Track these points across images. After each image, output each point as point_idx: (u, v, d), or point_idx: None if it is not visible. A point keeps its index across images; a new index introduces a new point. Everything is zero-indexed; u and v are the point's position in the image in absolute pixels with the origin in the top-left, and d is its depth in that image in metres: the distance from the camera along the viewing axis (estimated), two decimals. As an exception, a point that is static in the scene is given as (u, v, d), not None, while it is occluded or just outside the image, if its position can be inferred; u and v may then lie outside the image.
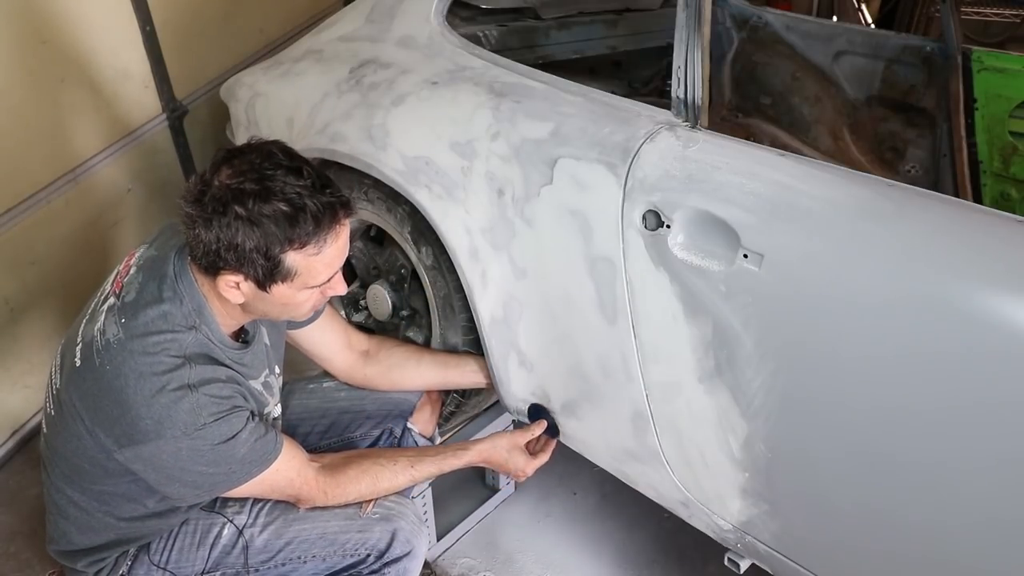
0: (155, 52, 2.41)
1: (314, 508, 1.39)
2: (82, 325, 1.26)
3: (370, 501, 1.41)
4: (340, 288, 1.28)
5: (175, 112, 2.54)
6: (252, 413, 1.27)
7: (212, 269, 1.18)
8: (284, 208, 1.12)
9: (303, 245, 1.15)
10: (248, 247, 1.12)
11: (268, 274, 1.16)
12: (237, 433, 1.22)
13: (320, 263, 1.19)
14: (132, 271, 1.26)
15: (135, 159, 2.45)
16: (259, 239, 1.12)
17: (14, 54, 2.01)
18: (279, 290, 1.19)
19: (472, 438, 1.66)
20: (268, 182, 1.12)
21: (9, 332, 2.14)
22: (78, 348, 1.23)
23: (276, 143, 1.20)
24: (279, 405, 1.46)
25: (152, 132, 2.49)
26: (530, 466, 1.58)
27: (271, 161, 1.14)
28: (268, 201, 1.11)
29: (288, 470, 1.32)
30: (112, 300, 1.23)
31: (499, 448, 1.55)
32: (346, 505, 1.40)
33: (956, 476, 1.05)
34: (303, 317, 1.34)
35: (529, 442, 1.61)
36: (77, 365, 1.22)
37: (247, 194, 1.11)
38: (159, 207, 2.55)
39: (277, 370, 1.46)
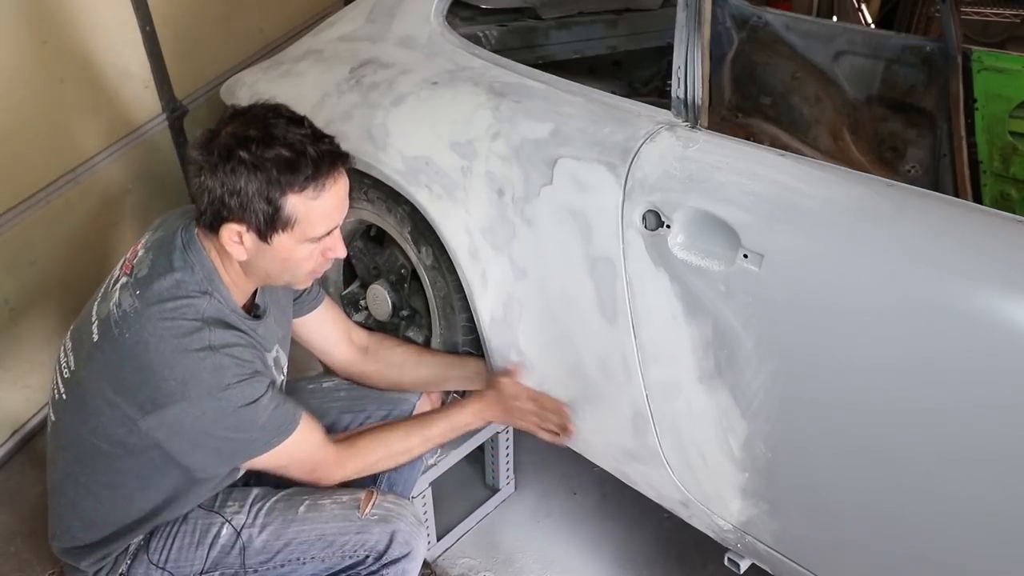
0: (155, 52, 2.41)
1: (313, 508, 1.39)
2: (95, 306, 1.28)
3: (369, 501, 1.41)
4: (339, 249, 1.31)
5: (175, 112, 2.54)
6: (272, 383, 1.29)
7: (216, 221, 1.21)
8: (285, 153, 1.18)
9: (302, 189, 1.19)
10: (250, 191, 1.17)
11: (269, 221, 1.20)
12: (259, 398, 1.24)
13: (318, 210, 1.22)
14: (141, 253, 1.29)
15: (135, 159, 2.45)
16: (261, 183, 1.17)
17: (14, 54, 2.01)
18: (280, 241, 1.22)
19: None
20: (271, 129, 1.19)
21: (9, 332, 2.14)
22: (94, 326, 1.25)
23: (280, 104, 1.26)
24: (285, 378, 1.48)
25: (152, 132, 2.49)
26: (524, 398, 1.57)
27: (275, 113, 1.22)
28: (270, 146, 1.17)
29: (309, 441, 1.33)
30: (124, 279, 1.26)
31: (504, 387, 1.56)
32: (345, 504, 1.40)
33: (956, 476, 1.05)
34: (303, 282, 1.35)
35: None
36: (95, 340, 1.23)
37: (251, 140, 1.17)
38: (159, 207, 2.55)
39: (284, 360, 1.47)
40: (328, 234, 1.27)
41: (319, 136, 1.22)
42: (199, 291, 1.23)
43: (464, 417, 1.54)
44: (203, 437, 1.22)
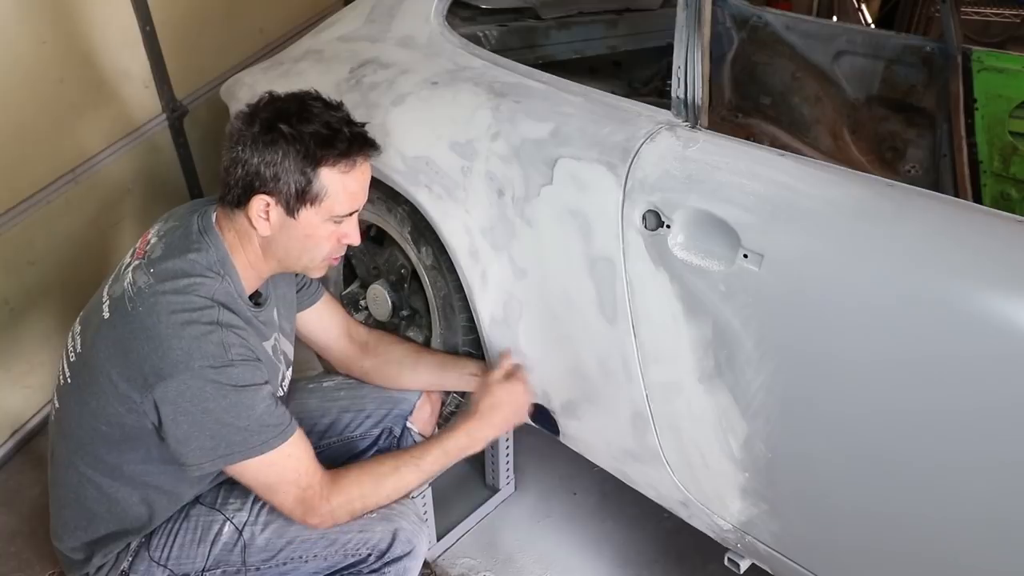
0: (155, 52, 2.41)
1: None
2: (106, 288, 1.31)
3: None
4: (355, 236, 1.34)
5: (175, 112, 2.54)
6: (269, 383, 1.29)
7: (247, 193, 1.25)
8: (322, 130, 1.25)
9: (335, 163, 1.25)
10: (287, 163, 1.23)
11: (300, 193, 1.25)
12: (259, 384, 1.25)
13: (346, 187, 1.27)
14: (153, 240, 1.31)
15: (135, 159, 2.45)
16: (297, 154, 1.23)
17: (14, 54, 2.01)
18: (305, 216, 1.27)
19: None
20: (310, 110, 1.27)
21: (9, 332, 2.14)
22: (105, 305, 1.27)
23: (317, 90, 1.34)
24: (291, 369, 1.49)
25: (152, 132, 2.49)
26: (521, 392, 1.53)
27: (311, 97, 1.30)
28: (310, 122, 1.25)
29: (300, 459, 1.29)
30: (137, 262, 1.28)
31: (497, 393, 1.50)
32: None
33: (956, 477, 1.05)
34: (318, 268, 1.37)
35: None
36: (106, 318, 1.26)
37: (291, 114, 1.25)
38: (159, 207, 2.54)
39: (288, 348, 1.48)
40: (349, 216, 1.31)
41: (352, 120, 1.30)
42: (212, 272, 1.27)
43: (457, 441, 1.44)
44: (201, 416, 1.20)
